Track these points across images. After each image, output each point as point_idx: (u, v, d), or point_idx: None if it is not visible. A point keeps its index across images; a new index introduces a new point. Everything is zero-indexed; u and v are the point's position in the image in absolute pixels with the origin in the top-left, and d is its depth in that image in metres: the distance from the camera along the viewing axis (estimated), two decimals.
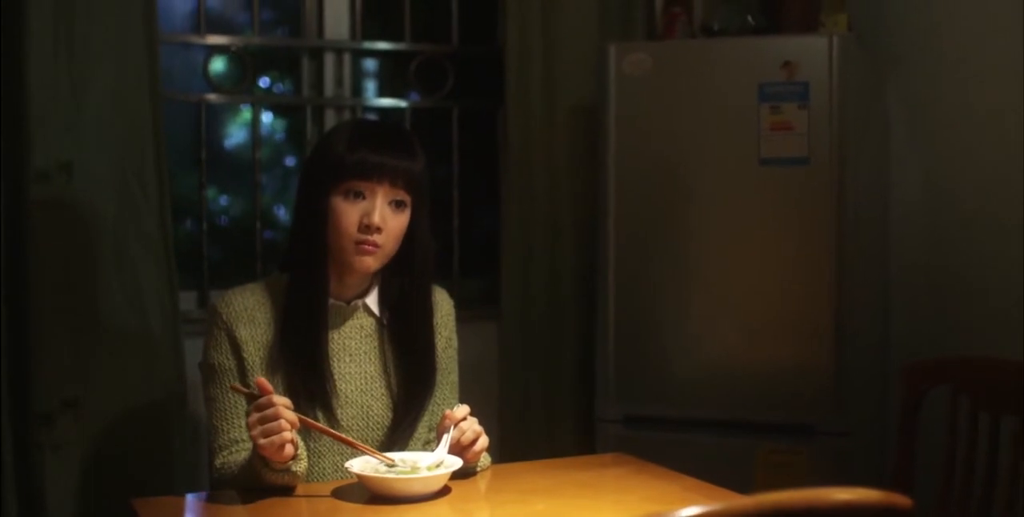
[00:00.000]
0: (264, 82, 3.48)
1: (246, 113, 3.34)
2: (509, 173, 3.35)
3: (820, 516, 1.23)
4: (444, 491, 1.90)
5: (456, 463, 1.92)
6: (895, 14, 3.34)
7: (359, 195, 2.05)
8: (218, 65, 3.26)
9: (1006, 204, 3.00)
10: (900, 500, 1.28)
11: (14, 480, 2.74)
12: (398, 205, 2.07)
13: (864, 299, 3.04)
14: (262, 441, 1.83)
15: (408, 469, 1.90)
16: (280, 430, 1.83)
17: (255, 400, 1.86)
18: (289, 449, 1.86)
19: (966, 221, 3.14)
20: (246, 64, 3.25)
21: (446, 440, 1.96)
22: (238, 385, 1.96)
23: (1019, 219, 2.95)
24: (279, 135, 3.57)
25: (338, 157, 2.05)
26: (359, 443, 1.98)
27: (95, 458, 2.81)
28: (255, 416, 1.84)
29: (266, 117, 3.44)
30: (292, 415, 1.85)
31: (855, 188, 2.91)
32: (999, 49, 3.01)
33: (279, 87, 3.55)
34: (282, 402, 1.85)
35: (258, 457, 1.87)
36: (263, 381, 1.87)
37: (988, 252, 3.06)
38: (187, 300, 3.11)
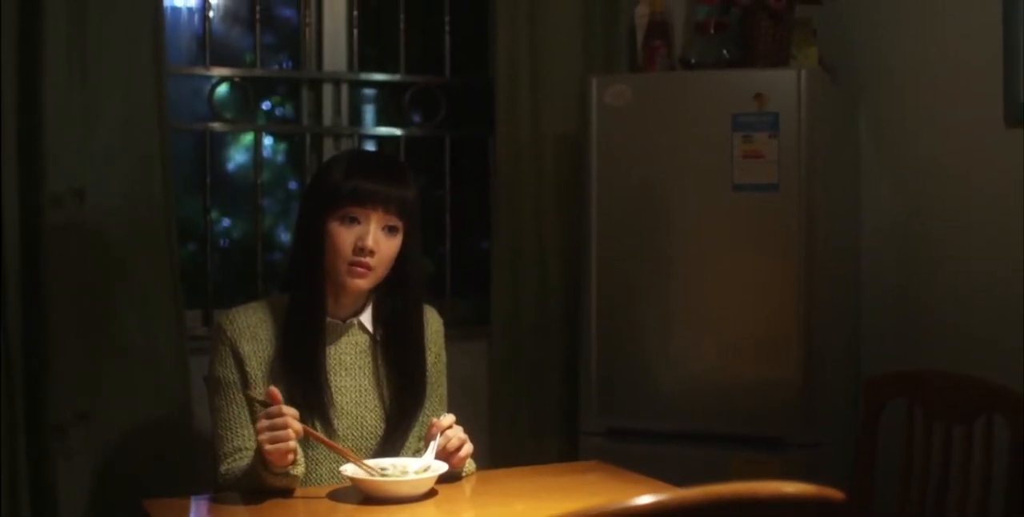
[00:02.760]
0: (266, 105, 3.57)
1: (248, 136, 3.44)
2: (499, 197, 3.44)
3: (760, 506, 1.37)
4: (431, 493, 2.02)
5: (442, 467, 2.04)
6: (864, 46, 3.45)
7: (354, 220, 2.17)
8: (222, 90, 3.36)
9: (972, 228, 3.14)
10: (833, 494, 1.41)
11: (29, 487, 2.83)
12: (391, 230, 2.20)
13: (833, 318, 3.15)
14: (269, 447, 1.94)
15: (398, 473, 2.03)
16: (287, 438, 1.95)
17: (265, 408, 1.98)
18: (290, 455, 1.99)
19: (933, 244, 3.26)
20: (248, 93, 3.36)
21: (433, 446, 2.08)
22: (251, 393, 2.07)
23: (983, 242, 3.09)
24: (280, 157, 3.65)
25: (335, 185, 2.18)
26: (352, 454, 2.09)
27: (105, 466, 2.90)
28: (265, 423, 1.96)
29: (268, 140, 3.52)
30: (298, 425, 1.97)
31: (824, 212, 3.03)
32: (967, 79, 3.13)
33: (280, 111, 3.62)
34: (291, 412, 1.97)
35: (260, 461, 1.99)
36: (275, 391, 1.98)
37: (954, 273, 3.18)
38: (192, 318, 3.19)
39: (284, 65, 3.59)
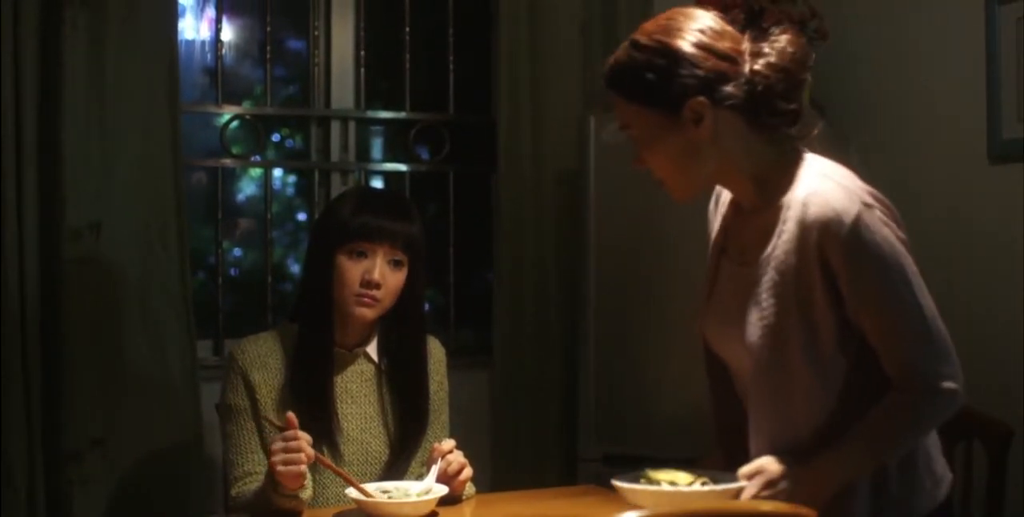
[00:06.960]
0: (276, 137, 3.66)
1: (258, 168, 3.53)
2: (501, 232, 3.52)
3: None
4: (432, 515, 2.10)
5: (442, 490, 2.12)
6: (853, 86, 3.53)
7: (362, 254, 2.27)
8: (233, 124, 3.44)
9: (957, 263, 3.20)
10: (806, 512, 1.52)
11: (46, 512, 2.90)
12: (396, 264, 2.29)
13: None
14: (281, 468, 2.02)
15: (400, 495, 2.10)
16: (299, 462, 2.02)
17: (282, 432, 2.06)
18: (301, 479, 2.07)
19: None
20: (259, 129, 3.46)
21: (434, 470, 2.16)
22: (271, 418, 2.15)
23: (968, 276, 3.14)
24: (290, 189, 3.72)
25: (344, 221, 2.29)
26: (356, 481, 2.14)
27: (120, 491, 2.97)
28: (280, 445, 2.03)
29: (277, 171, 3.59)
30: (311, 450, 2.05)
31: None
32: (952, 118, 3.19)
33: (290, 142, 3.70)
34: (305, 438, 2.05)
35: (270, 483, 2.07)
36: (292, 417, 2.06)
37: (938, 306, 3.27)
38: (203, 348, 3.27)
39: (293, 95, 3.67)
